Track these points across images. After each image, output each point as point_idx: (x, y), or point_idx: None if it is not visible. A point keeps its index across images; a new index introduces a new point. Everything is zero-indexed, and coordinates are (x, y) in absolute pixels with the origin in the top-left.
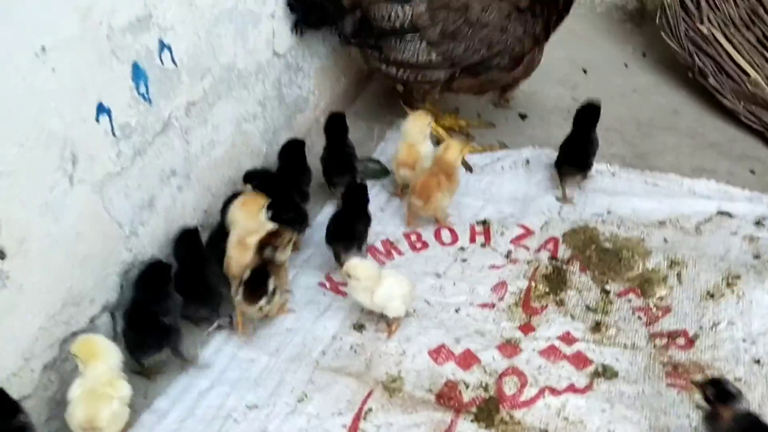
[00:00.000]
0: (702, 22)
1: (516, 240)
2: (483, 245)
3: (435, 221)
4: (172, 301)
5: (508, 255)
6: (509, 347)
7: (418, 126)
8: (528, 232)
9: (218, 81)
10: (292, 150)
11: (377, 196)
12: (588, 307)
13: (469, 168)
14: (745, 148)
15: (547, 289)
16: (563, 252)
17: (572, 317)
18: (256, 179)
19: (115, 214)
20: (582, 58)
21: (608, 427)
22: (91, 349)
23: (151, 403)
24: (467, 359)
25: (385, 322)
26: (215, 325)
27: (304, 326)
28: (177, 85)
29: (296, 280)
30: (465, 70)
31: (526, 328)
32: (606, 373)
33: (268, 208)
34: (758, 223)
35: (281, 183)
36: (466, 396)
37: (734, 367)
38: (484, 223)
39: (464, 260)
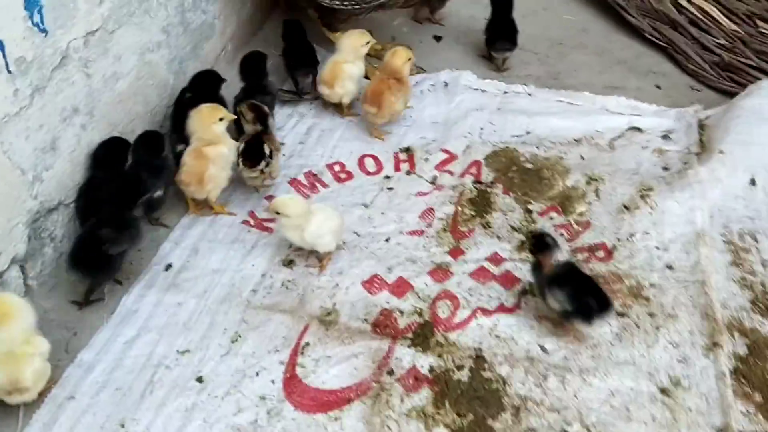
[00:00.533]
0: None
1: (440, 165)
2: (408, 173)
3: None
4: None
5: (433, 181)
6: (440, 272)
7: (351, 44)
8: (452, 157)
9: (117, 6)
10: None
11: (295, 127)
12: (513, 228)
13: (422, 70)
14: (651, 63)
15: (474, 213)
16: (486, 175)
17: (499, 238)
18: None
19: (17, 159)
20: None
21: (538, 341)
22: (2, 309)
23: (74, 357)
24: (400, 287)
25: (316, 257)
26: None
27: (231, 266)
28: (73, 12)
29: (218, 219)
30: None
31: (456, 252)
32: (533, 290)
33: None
34: (665, 136)
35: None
36: (402, 323)
37: (649, 273)
38: (408, 150)
39: (390, 189)
